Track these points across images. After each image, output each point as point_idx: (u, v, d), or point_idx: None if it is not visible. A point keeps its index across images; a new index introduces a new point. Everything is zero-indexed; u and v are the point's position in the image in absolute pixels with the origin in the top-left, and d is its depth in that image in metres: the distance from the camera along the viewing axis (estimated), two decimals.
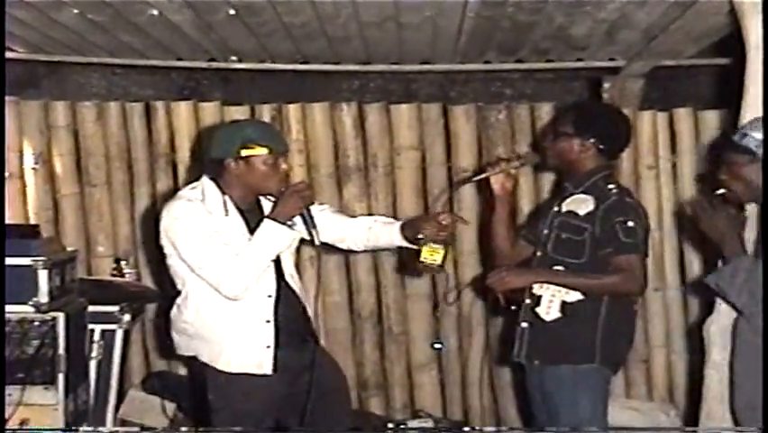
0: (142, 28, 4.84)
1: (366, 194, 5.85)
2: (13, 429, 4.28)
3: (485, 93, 6.18)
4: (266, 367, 3.77)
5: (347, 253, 5.80)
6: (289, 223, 3.77)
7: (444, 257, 3.85)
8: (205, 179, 3.86)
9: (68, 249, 5.06)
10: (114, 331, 5.01)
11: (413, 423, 5.57)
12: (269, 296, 3.82)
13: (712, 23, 4.42)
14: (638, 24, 4.72)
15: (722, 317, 3.76)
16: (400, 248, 4.07)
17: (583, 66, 5.71)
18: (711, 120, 5.75)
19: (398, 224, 4.04)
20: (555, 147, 4.07)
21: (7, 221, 5.36)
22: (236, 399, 3.79)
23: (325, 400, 3.89)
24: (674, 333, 5.82)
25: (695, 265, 5.79)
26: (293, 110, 5.78)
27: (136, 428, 5.02)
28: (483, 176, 4.18)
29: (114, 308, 4.99)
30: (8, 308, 4.40)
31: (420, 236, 3.86)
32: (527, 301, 3.99)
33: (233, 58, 5.64)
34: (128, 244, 5.87)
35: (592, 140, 3.99)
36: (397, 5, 4.39)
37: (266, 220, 3.75)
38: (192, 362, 3.95)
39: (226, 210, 3.80)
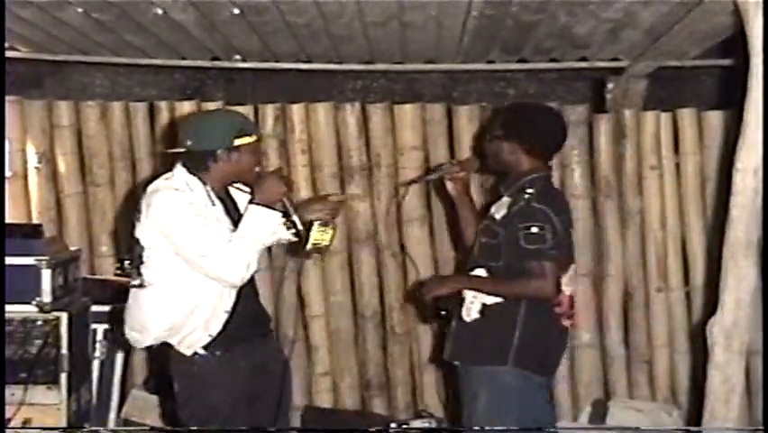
0: (146, 27, 4.84)
1: (369, 194, 5.85)
2: (16, 429, 4.29)
3: (488, 93, 6.18)
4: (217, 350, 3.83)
5: (350, 253, 5.83)
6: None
7: (332, 238, 3.96)
8: (182, 171, 3.88)
9: (72, 248, 5.08)
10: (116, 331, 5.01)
11: (415, 423, 5.57)
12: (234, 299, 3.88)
13: (716, 24, 4.41)
14: (642, 24, 4.72)
15: (725, 318, 3.75)
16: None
17: (587, 66, 5.71)
18: (715, 120, 5.74)
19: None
20: (488, 150, 4.14)
21: (11, 220, 5.37)
22: (198, 381, 3.86)
23: (276, 394, 3.99)
24: (677, 333, 5.82)
25: (698, 266, 5.78)
26: (296, 110, 5.78)
27: (139, 428, 5.02)
28: (424, 180, 4.47)
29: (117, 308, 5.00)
30: (11, 307, 4.41)
31: (311, 218, 3.93)
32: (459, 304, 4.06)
33: (237, 57, 5.64)
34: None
35: (520, 142, 4.01)
36: (400, 5, 4.38)
37: (251, 206, 3.80)
38: (159, 349, 3.98)
39: (212, 200, 3.84)
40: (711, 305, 3.85)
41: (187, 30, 4.89)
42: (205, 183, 3.84)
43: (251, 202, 3.81)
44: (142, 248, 3.83)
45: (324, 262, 5.79)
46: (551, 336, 4.06)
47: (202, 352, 3.83)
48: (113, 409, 5.20)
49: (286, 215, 3.88)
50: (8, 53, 5.30)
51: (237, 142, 3.81)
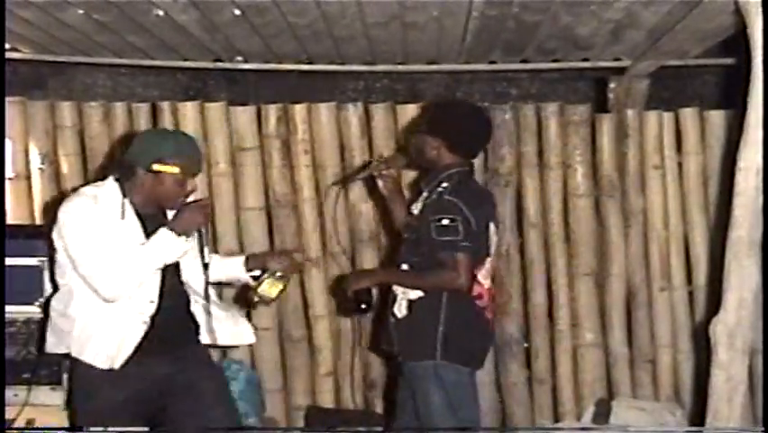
0: (148, 28, 4.84)
1: (372, 194, 5.85)
2: (19, 429, 4.29)
3: (491, 93, 6.19)
4: (117, 363, 3.82)
5: (353, 253, 5.82)
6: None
7: (281, 292, 4.04)
8: (110, 180, 3.92)
9: None
10: None
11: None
12: (152, 301, 3.89)
13: (718, 23, 4.41)
14: (644, 24, 4.72)
15: (729, 317, 3.75)
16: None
17: (589, 66, 5.71)
18: (717, 120, 5.74)
19: (242, 258, 4.22)
20: (413, 145, 4.26)
21: (14, 221, 5.38)
22: (95, 392, 3.88)
23: (195, 406, 3.97)
24: (680, 333, 5.82)
25: (701, 265, 5.78)
26: (299, 110, 5.78)
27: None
28: (356, 178, 4.62)
29: None
30: (14, 308, 4.42)
31: (266, 270, 4.04)
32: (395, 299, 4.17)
33: (239, 58, 5.64)
34: None
35: (442, 138, 4.12)
36: (402, 6, 4.38)
37: (162, 229, 3.81)
38: (64, 359, 4.05)
39: (123, 214, 3.85)
40: (714, 304, 3.85)
41: (189, 31, 4.89)
42: (125, 196, 3.87)
43: (166, 225, 3.83)
44: (54, 250, 3.91)
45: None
46: (475, 330, 4.18)
47: (93, 362, 3.84)
48: None
49: (201, 244, 3.92)
50: (11, 54, 5.31)
51: (155, 167, 3.82)
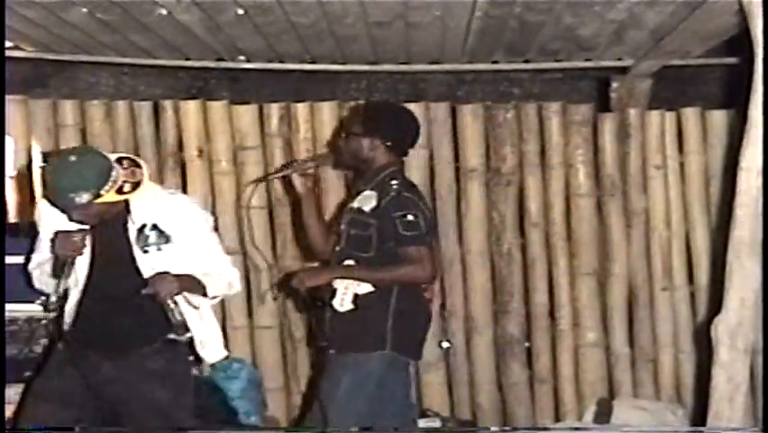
0: (151, 27, 4.85)
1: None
2: (19, 429, 4.29)
3: (493, 92, 6.19)
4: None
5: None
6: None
7: None
8: None
9: None
10: None
11: (421, 422, 5.55)
12: (76, 303, 3.97)
13: (720, 23, 4.41)
14: (647, 24, 4.72)
15: (730, 317, 3.75)
16: None
17: (591, 66, 5.71)
18: (719, 120, 5.74)
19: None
20: (346, 147, 4.35)
21: (16, 220, 5.37)
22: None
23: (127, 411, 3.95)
24: (682, 332, 5.82)
25: (703, 265, 5.78)
26: (301, 109, 5.77)
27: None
28: (276, 176, 4.68)
29: None
30: (16, 306, 4.42)
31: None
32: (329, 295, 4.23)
33: (241, 57, 5.64)
34: None
35: (380, 139, 4.24)
36: (405, 5, 4.39)
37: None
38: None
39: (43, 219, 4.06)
40: (716, 304, 3.85)
41: (192, 30, 4.89)
42: None
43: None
44: None
45: None
46: (420, 321, 4.33)
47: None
48: None
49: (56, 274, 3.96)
50: (13, 53, 5.31)
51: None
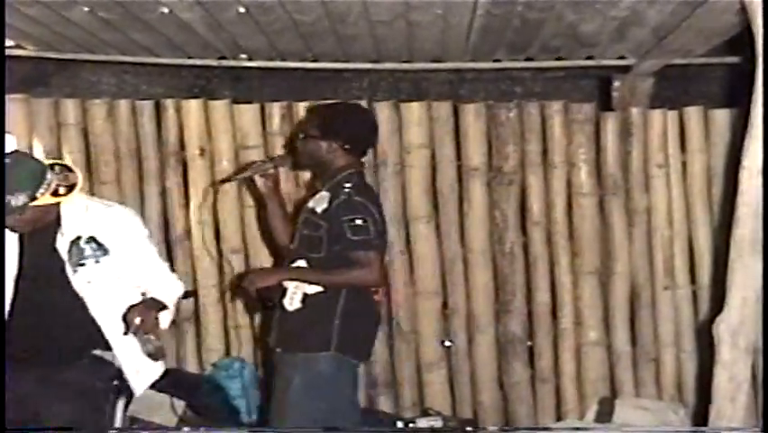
0: (153, 26, 4.85)
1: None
2: (20, 429, 4.29)
3: (495, 91, 6.19)
4: None
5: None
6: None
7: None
8: None
9: None
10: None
11: (422, 421, 5.56)
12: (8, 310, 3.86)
13: (723, 22, 4.41)
14: (649, 23, 4.71)
15: (732, 316, 3.75)
16: None
17: (593, 64, 5.71)
18: (722, 119, 5.74)
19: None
20: (304, 149, 4.33)
21: None
22: None
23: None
24: (684, 331, 5.82)
25: (705, 264, 5.78)
26: (303, 108, 5.77)
27: (143, 427, 5.03)
28: (237, 177, 4.66)
29: None
30: None
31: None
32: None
33: (243, 56, 5.65)
34: None
35: (337, 141, 4.23)
36: (407, 4, 4.38)
37: None
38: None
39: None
40: (718, 303, 3.85)
41: (194, 29, 4.89)
42: None
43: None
44: None
45: None
46: (368, 323, 4.33)
47: None
48: (119, 407, 5.19)
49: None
50: (15, 51, 5.32)
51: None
